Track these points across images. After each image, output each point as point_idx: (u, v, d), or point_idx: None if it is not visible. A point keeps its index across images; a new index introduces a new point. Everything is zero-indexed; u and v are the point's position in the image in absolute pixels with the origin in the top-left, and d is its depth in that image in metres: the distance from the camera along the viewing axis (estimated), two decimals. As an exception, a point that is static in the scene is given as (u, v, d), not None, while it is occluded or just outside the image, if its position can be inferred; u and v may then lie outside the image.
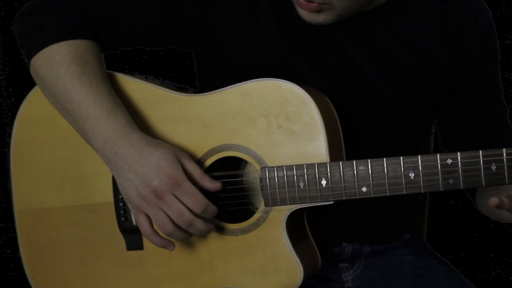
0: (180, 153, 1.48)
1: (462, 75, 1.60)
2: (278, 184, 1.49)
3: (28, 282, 1.66)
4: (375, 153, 1.55)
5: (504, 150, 1.40)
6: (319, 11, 1.46)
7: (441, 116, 1.68)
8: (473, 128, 1.66)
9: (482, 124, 1.65)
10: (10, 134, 1.63)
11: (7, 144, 2.67)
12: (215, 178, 1.52)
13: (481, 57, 1.60)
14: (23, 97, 1.65)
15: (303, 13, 1.49)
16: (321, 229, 1.61)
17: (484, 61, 1.61)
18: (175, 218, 1.45)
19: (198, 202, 1.45)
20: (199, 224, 1.47)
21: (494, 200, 1.40)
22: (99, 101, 1.48)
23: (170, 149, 1.47)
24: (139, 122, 1.54)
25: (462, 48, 1.58)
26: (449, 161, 1.42)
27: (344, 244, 1.69)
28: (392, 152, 1.58)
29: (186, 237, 1.50)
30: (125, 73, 1.60)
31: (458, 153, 1.42)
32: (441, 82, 1.60)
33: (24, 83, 2.66)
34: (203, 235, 1.51)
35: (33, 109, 1.63)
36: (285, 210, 1.50)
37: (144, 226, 1.48)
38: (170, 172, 1.44)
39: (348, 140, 1.55)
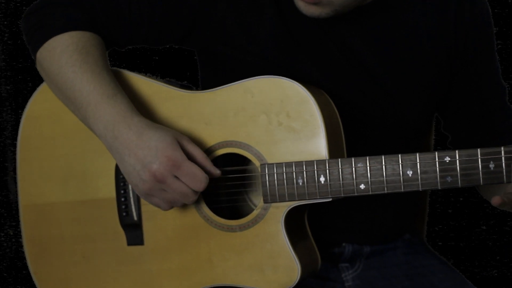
0: (180, 136, 1.49)
1: (462, 55, 1.62)
2: (277, 181, 1.50)
3: (30, 277, 1.67)
4: (377, 147, 1.56)
5: (502, 148, 1.39)
6: (316, 3, 1.48)
7: (442, 101, 1.68)
8: (473, 109, 1.66)
9: (481, 104, 1.66)
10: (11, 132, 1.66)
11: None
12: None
13: (477, 35, 1.62)
14: (23, 95, 1.67)
15: (300, 5, 1.50)
16: (321, 229, 1.61)
17: (480, 39, 1.62)
18: (181, 199, 1.47)
19: (199, 180, 1.45)
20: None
21: (497, 199, 1.41)
22: (100, 88, 1.50)
23: (170, 132, 1.48)
24: None
25: (460, 28, 1.60)
26: (447, 159, 1.42)
27: (344, 244, 1.69)
28: (393, 147, 1.58)
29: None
30: (130, 70, 1.62)
31: (456, 151, 1.42)
32: (444, 70, 1.62)
33: (26, 82, 2.68)
34: None
35: (39, 106, 1.65)
36: (283, 207, 1.50)
37: (162, 205, 1.50)
38: (168, 153, 1.44)
39: (350, 134, 1.55)
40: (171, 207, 1.51)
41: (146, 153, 1.45)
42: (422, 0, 1.59)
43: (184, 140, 1.48)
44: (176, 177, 1.45)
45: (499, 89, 1.67)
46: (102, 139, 1.50)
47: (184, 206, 1.54)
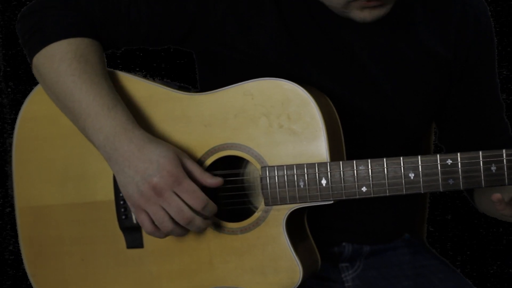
0: (179, 152, 1.49)
1: (462, 70, 1.62)
2: (278, 183, 1.49)
3: (28, 279, 1.66)
4: (376, 151, 1.56)
5: (504, 151, 1.40)
6: (381, 5, 1.47)
7: (440, 112, 1.69)
8: (470, 123, 1.67)
9: (479, 119, 1.67)
10: (10, 133, 1.64)
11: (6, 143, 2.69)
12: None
13: (480, 52, 1.62)
14: (23, 95, 1.65)
15: (365, 15, 1.48)
16: (321, 229, 1.61)
17: (482, 56, 1.63)
18: (175, 215, 1.46)
19: (198, 199, 1.45)
20: (198, 221, 1.47)
21: (497, 195, 1.42)
22: (100, 99, 1.49)
23: (171, 147, 1.48)
24: (141, 121, 1.54)
25: (463, 43, 1.61)
26: (449, 161, 1.42)
27: (344, 243, 1.69)
28: (392, 151, 1.58)
29: (184, 233, 1.51)
30: (128, 72, 1.61)
31: (458, 154, 1.42)
32: (444, 80, 1.62)
33: (25, 82, 2.66)
34: (201, 232, 1.52)
35: (35, 107, 1.63)
36: (285, 210, 1.50)
37: (146, 225, 1.49)
38: (170, 169, 1.45)
39: (350, 138, 1.55)
40: (154, 230, 1.48)
41: (147, 166, 1.45)
42: (424, 8, 1.59)
43: (183, 157, 1.48)
44: (174, 193, 1.45)
45: (497, 104, 1.68)
46: (101, 150, 1.50)
47: (167, 235, 1.51)
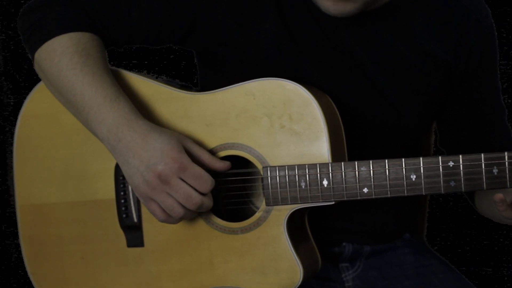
0: (184, 138, 1.49)
1: (463, 73, 1.62)
2: (279, 184, 1.49)
3: (28, 278, 1.66)
4: (376, 152, 1.56)
5: (506, 153, 1.40)
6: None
7: (440, 115, 1.69)
8: (471, 127, 1.67)
9: (480, 123, 1.66)
10: (10, 131, 1.64)
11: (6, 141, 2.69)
12: (216, 176, 1.53)
13: (481, 56, 1.62)
14: (23, 94, 1.65)
15: (328, 5, 1.47)
16: (321, 229, 1.61)
17: (483, 60, 1.63)
18: (184, 202, 1.45)
19: (205, 182, 1.45)
20: (208, 203, 1.47)
21: (499, 196, 1.42)
22: (102, 91, 1.49)
23: (174, 134, 1.48)
24: None
25: (464, 46, 1.60)
26: (451, 163, 1.42)
27: (344, 243, 1.70)
28: (392, 151, 1.58)
29: (195, 215, 1.51)
30: (130, 70, 1.61)
31: (460, 156, 1.42)
32: (443, 81, 1.62)
33: (25, 80, 2.66)
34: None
35: (36, 105, 1.63)
36: (286, 210, 1.50)
37: (157, 213, 1.48)
38: (174, 155, 1.44)
39: (350, 139, 1.55)
40: (167, 218, 1.48)
41: (151, 155, 1.44)
42: (425, 11, 1.59)
43: (188, 143, 1.48)
44: (181, 179, 1.44)
45: (498, 108, 1.68)
46: (105, 142, 1.49)
47: (180, 220, 1.51)
